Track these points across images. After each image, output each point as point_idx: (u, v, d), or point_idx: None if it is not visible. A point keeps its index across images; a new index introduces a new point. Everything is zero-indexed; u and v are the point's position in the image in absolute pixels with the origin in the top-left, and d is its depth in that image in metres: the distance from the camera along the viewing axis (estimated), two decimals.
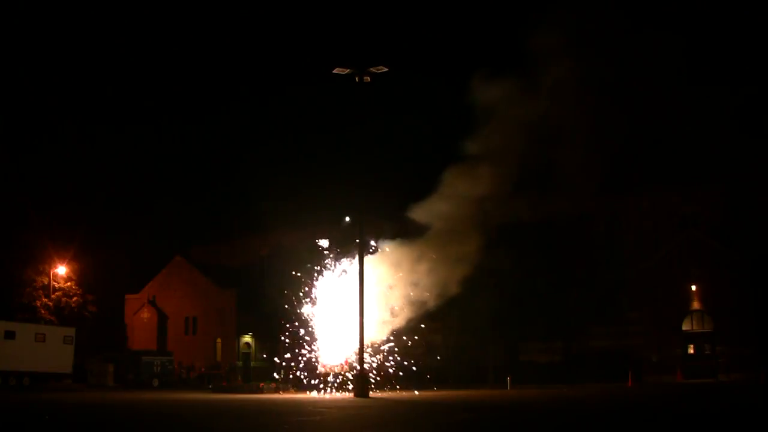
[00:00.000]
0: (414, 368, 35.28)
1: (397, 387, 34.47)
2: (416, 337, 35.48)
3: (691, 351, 52.47)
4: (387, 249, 34.77)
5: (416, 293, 34.13)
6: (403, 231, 36.37)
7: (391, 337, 34.18)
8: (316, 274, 34.53)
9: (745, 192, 53.08)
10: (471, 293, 39.24)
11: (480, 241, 34.93)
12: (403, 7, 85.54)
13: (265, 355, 59.57)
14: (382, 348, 33.83)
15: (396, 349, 34.10)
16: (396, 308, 34.22)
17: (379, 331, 34.05)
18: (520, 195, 36.20)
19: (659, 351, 51.87)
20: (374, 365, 33.59)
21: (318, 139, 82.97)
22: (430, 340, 49.21)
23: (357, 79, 31.04)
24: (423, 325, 35.39)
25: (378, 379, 33.68)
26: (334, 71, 31.04)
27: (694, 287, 52.01)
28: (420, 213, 34.74)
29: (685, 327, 52.71)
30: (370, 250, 34.01)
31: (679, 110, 41.90)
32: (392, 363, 34.02)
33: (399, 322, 34.33)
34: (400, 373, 34.26)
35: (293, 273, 35.48)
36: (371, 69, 31.12)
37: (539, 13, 32.83)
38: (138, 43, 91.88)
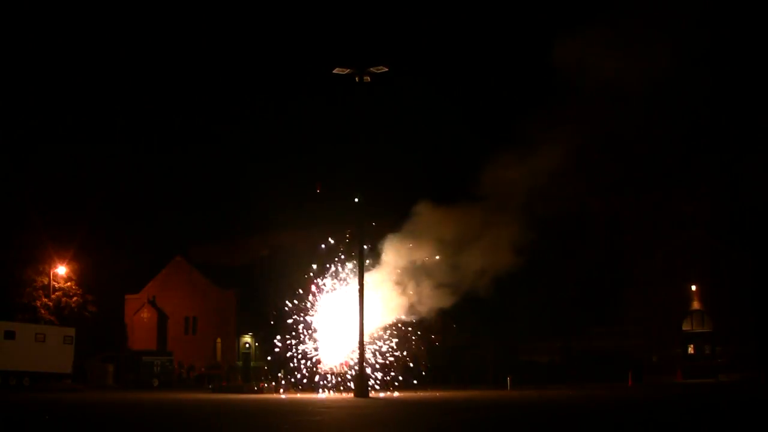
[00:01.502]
0: (411, 365, 35.06)
1: (395, 385, 34.27)
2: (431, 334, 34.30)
3: (691, 351, 52.45)
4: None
5: (457, 278, 32.84)
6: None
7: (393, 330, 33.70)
8: (317, 273, 34.45)
9: (745, 192, 53.04)
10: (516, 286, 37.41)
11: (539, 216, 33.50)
12: (404, 7, 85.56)
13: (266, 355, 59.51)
14: (382, 347, 33.61)
15: (396, 340, 33.59)
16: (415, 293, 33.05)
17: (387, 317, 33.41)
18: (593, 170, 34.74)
19: (659, 351, 51.83)
20: (377, 358, 33.31)
21: (318, 139, 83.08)
22: (431, 339, 49.09)
23: (357, 79, 31.02)
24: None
25: (379, 378, 33.45)
26: (334, 71, 31.02)
27: (694, 287, 51.97)
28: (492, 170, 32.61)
29: (685, 327, 52.69)
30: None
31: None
32: (392, 360, 33.82)
33: (427, 306, 33.44)
34: (409, 364, 33.77)
35: (294, 273, 35.36)
36: (371, 69, 31.09)
37: None
38: (139, 43, 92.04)
